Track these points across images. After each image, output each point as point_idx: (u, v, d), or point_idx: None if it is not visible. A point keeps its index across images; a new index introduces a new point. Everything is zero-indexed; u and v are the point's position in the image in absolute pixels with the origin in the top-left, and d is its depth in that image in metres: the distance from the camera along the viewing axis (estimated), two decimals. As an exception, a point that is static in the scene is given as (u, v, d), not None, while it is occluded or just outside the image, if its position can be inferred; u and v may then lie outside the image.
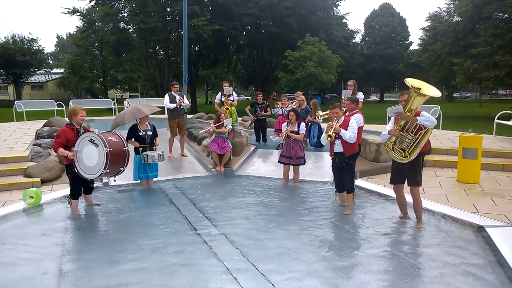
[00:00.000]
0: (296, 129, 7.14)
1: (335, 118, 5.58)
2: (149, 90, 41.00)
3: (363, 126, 5.95)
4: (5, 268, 4.10)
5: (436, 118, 5.24)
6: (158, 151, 6.84)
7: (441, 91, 42.00)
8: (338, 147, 5.61)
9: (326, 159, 8.63)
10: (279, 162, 7.44)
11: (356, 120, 5.67)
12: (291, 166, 7.27)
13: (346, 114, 6.01)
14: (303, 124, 7.24)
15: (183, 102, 8.97)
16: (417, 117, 4.81)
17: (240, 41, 33.16)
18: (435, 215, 5.52)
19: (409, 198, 5.30)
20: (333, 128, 5.46)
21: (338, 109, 5.65)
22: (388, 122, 5.40)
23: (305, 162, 7.32)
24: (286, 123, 7.32)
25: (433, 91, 4.72)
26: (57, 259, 4.27)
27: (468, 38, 22.01)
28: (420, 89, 4.69)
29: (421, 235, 4.92)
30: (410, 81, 4.80)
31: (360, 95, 7.93)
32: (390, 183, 5.33)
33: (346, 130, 5.47)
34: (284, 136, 7.13)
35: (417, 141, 4.86)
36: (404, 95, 5.13)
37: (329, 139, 5.50)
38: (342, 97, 7.80)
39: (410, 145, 4.90)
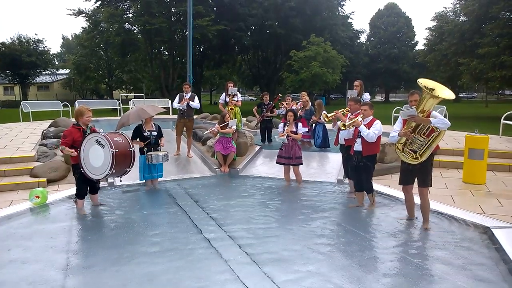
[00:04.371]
0: (294, 129, 7.16)
1: (361, 115, 5.59)
2: (154, 91, 41.14)
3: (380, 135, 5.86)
4: (11, 267, 4.13)
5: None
6: (162, 152, 6.84)
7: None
8: (358, 146, 5.64)
9: (331, 159, 8.61)
10: (277, 163, 7.42)
11: (378, 127, 5.59)
12: (291, 167, 7.28)
13: (349, 115, 6.00)
14: (300, 124, 7.26)
15: (186, 102, 8.91)
16: (431, 119, 4.68)
17: (245, 41, 33.19)
18: (441, 216, 5.49)
19: (416, 199, 5.28)
20: (353, 121, 5.48)
21: (368, 106, 5.61)
22: (395, 122, 5.35)
23: (302, 162, 7.33)
24: (283, 123, 7.33)
25: (447, 93, 4.53)
26: (62, 259, 4.29)
27: (474, 38, 21.86)
28: (433, 90, 4.52)
29: (427, 236, 4.89)
30: (423, 82, 4.62)
31: (366, 96, 7.89)
32: (399, 184, 5.27)
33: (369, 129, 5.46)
34: (285, 136, 7.14)
35: (429, 143, 4.77)
36: (414, 95, 5.02)
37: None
38: (348, 97, 7.77)
39: (421, 147, 4.81)
